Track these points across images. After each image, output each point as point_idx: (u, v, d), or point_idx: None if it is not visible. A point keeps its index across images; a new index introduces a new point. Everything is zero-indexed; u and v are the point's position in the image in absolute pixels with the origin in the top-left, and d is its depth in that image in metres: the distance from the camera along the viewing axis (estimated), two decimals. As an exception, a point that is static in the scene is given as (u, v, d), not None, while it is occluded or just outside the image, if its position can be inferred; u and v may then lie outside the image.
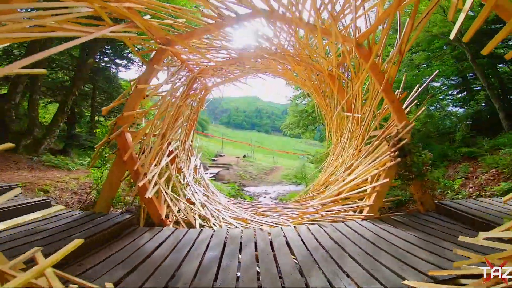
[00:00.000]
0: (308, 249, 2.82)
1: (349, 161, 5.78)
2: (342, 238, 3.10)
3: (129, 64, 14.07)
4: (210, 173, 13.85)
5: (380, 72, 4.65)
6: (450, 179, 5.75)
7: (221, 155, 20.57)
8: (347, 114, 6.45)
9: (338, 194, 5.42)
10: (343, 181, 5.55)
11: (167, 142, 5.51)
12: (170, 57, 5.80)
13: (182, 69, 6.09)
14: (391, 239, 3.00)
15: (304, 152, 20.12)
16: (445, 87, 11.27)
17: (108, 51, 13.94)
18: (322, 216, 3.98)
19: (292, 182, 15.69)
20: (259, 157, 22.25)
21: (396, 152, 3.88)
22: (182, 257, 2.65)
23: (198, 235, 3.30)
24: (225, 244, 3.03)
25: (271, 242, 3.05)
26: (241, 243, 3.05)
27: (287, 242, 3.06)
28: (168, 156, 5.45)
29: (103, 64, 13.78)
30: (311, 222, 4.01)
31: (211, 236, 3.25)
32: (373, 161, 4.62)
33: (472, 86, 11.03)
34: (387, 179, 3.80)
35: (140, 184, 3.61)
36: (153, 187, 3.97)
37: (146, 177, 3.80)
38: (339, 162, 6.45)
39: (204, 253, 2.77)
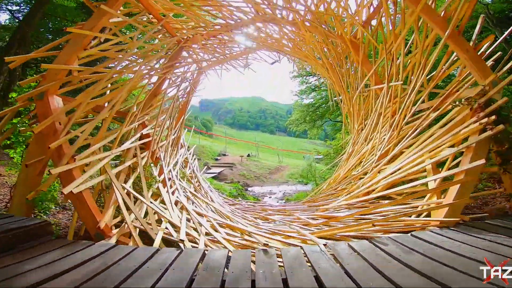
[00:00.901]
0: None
1: (383, 147, 4.13)
2: (436, 268, 1.44)
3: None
4: (212, 173, 12.44)
5: (438, 16, 3.03)
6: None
7: (224, 155, 19.07)
8: (377, 87, 4.79)
9: (368, 193, 3.77)
10: (378, 173, 3.89)
11: (138, 123, 3.96)
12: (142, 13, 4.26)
13: (159, 32, 4.57)
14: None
15: (311, 151, 18.61)
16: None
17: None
18: (372, 224, 2.29)
19: (298, 182, 14.10)
20: (263, 157, 20.70)
21: (492, 117, 2.23)
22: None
23: (148, 259, 1.71)
24: (191, 283, 1.44)
25: (285, 281, 1.44)
26: (223, 282, 1.45)
27: (317, 279, 1.44)
28: (141, 140, 3.90)
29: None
30: (347, 233, 2.39)
31: (171, 263, 1.66)
32: (428, 142, 2.97)
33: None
34: (482, 160, 2.14)
35: (54, 172, 2.03)
36: (91, 178, 2.42)
37: (75, 161, 2.23)
38: (366, 149, 4.79)
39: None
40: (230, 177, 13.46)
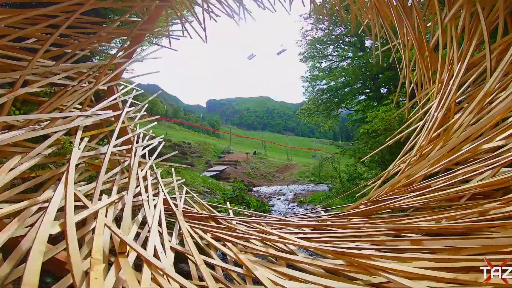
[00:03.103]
0: None
1: None
2: None
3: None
4: (214, 171, 9.97)
5: None
6: None
7: (229, 152, 16.42)
8: None
9: None
10: None
11: None
12: None
13: None
14: None
15: (327, 149, 15.90)
16: None
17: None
18: None
19: (310, 181, 11.80)
20: (271, 155, 17.97)
21: None
22: None
23: None
24: None
25: None
26: None
27: None
28: None
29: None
30: None
31: None
32: None
33: None
34: None
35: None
36: None
37: None
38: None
39: None
40: (233, 176, 11.02)
